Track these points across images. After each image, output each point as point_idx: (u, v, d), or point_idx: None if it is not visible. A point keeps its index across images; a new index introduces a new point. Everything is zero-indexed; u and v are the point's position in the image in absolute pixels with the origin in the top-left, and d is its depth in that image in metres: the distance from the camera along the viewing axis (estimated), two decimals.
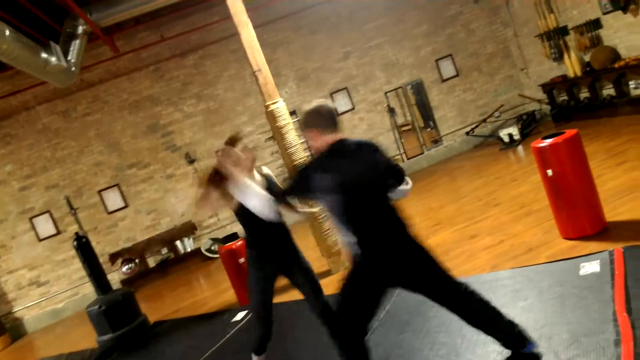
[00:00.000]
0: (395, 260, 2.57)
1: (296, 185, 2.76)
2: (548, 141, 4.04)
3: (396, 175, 2.75)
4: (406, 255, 2.60)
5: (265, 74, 5.63)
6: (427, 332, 3.47)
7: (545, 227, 4.54)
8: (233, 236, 6.05)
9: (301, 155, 5.61)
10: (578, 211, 4.04)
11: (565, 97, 9.13)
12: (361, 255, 2.57)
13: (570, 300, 3.17)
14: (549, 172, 4.03)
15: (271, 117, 5.62)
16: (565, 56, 8.62)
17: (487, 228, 5.19)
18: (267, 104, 5.62)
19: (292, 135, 5.58)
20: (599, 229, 4.05)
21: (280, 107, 5.56)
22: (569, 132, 4.03)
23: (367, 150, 2.66)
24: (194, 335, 5.40)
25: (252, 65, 5.68)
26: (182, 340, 5.40)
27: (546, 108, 9.74)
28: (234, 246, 5.63)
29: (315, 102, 2.71)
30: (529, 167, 7.08)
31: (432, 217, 6.40)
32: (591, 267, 3.45)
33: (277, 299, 3.56)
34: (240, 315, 5.30)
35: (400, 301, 4.08)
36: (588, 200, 4.04)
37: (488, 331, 2.66)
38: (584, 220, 4.05)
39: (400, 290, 3.91)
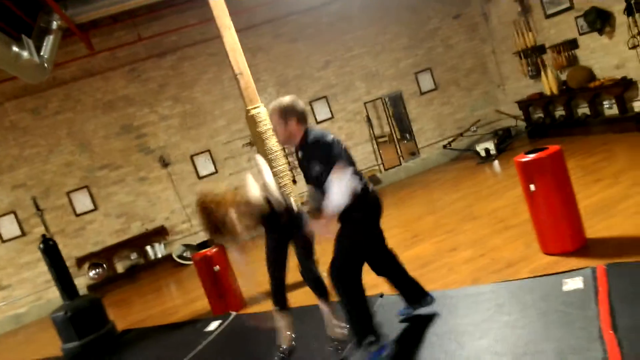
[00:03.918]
0: None
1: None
2: (531, 156, 4.05)
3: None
4: None
5: (246, 78, 5.53)
6: None
7: (526, 241, 4.54)
8: (206, 243, 5.88)
9: (281, 161, 5.50)
10: (559, 227, 4.05)
11: (541, 115, 9.29)
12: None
13: (555, 316, 3.14)
14: (532, 187, 4.03)
15: (252, 122, 5.50)
16: (542, 74, 8.77)
17: (467, 241, 5.18)
18: (248, 108, 5.51)
19: (273, 141, 5.47)
20: (580, 246, 4.06)
21: (262, 112, 5.46)
22: (552, 148, 4.05)
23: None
24: (164, 345, 5.20)
25: (233, 68, 5.57)
26: (151, 350, 5.19)
27: (522, 124, 9.90)
28: (208, 253, 5.47)
29: (290, 97, 3.25)
30: (506, 182, 7.16)
31: (410, 229, 6.36)
32: (574, 283, 3.44)
33: None
34: (213, 325, 5.13)
35: None
36: (569, 216, 4.05)
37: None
38: (565, 236, 4.05)
39: None
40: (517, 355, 2.89)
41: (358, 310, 3.20)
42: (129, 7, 7.02)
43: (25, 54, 5.85)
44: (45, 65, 6.56)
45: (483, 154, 9.03)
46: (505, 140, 9.51)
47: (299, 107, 3.21)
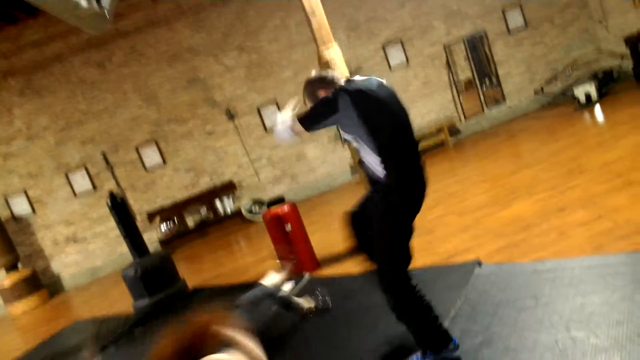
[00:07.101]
0: None
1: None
2: None
3: None
4: None
5: (319, 18, 4.90)
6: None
7: None
8: (278, 200, 5.45)
9: None
10: None
11: None
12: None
13: None
14: None
15: (325, 66, 4.90)
16: None
17: (577, 200, 4.41)
18: (321, 50, 4.90)
19: None
20: None
21: (337, 56, 4.85)
22: None
23: None
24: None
25: (304, 7, 4.95)
26: None
27: (628, 65, 8.63)
28: (280, 211, 5.05)
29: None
30: (615, 130, 6.20)
31: (503, 185, 5.62)
32: None
33: None
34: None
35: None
36: None
37: None
38: None
39: None
40: None
41: (423, 318, 2.60)
42: None
43: (83, 2, 5.48)
44: (106, 14, 6.20)
45: (582, 99, 7.96)
46: (607, 84, 8.33)
47: (323, 74, 2.80)
